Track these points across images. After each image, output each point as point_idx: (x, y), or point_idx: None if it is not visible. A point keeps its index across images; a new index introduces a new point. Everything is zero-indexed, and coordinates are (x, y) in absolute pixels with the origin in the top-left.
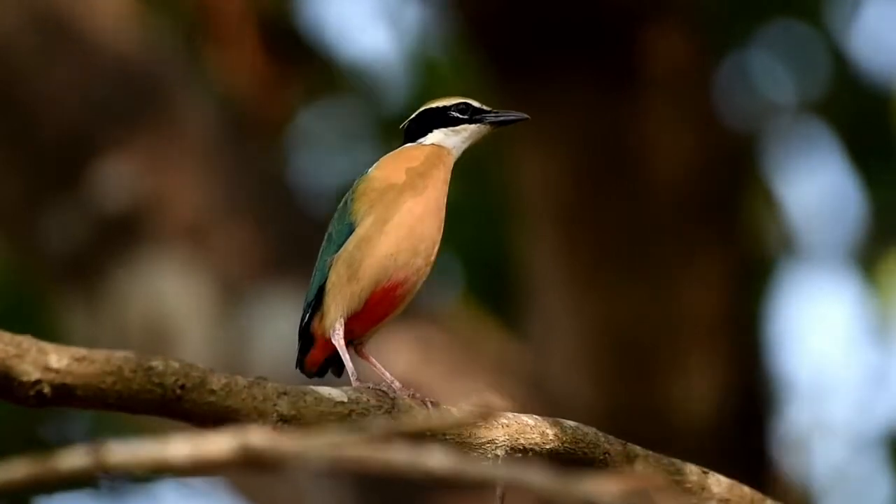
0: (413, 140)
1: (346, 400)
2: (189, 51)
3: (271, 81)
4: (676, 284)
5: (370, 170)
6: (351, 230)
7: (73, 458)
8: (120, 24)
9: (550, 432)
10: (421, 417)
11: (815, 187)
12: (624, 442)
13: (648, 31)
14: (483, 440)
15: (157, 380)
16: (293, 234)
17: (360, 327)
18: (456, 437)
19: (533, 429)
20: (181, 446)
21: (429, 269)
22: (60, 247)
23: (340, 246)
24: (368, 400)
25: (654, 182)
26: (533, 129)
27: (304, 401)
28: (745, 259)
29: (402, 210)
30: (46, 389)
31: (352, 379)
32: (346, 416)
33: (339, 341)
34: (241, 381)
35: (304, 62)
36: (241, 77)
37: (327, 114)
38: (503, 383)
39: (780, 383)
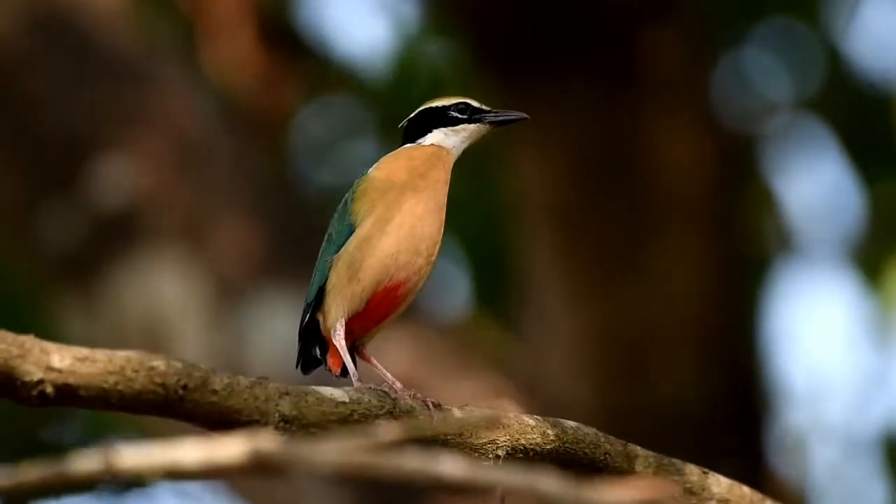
0: (412, 140)
1: (347, 400)
2: (187, 49)
3: (270, 79)
4: (674, 285)
5: (370, 170)
6: (351, 230)
7: (85, 462)
8: (118, 22)
9: (551, 433)
10: (429, 423)
11: (813, 186)
12: (624, 442)
13: (647, 32)
14: (484, 441)
15: (159, 380)
16: (293, 233)
17: (361, 328)
18: (457, 438)
19: (534, 429)
20: (192, 450)
21: (430, 268)
22: (58, 246)
23: (341, 246)
24: (370, 400)
25: (652, 182)
26: (532, 129)
27: (306, 401)
28: (743, 259)
29: (402, 210)
30: (49, 389)
31: (353, 379)
32: (347, 416)
33: (339, 342)
34: (244, 381)
35: (302, 60)
36: (240, 75)
37: (326, 112)
38: (502, 383)
39: (778, 384)
